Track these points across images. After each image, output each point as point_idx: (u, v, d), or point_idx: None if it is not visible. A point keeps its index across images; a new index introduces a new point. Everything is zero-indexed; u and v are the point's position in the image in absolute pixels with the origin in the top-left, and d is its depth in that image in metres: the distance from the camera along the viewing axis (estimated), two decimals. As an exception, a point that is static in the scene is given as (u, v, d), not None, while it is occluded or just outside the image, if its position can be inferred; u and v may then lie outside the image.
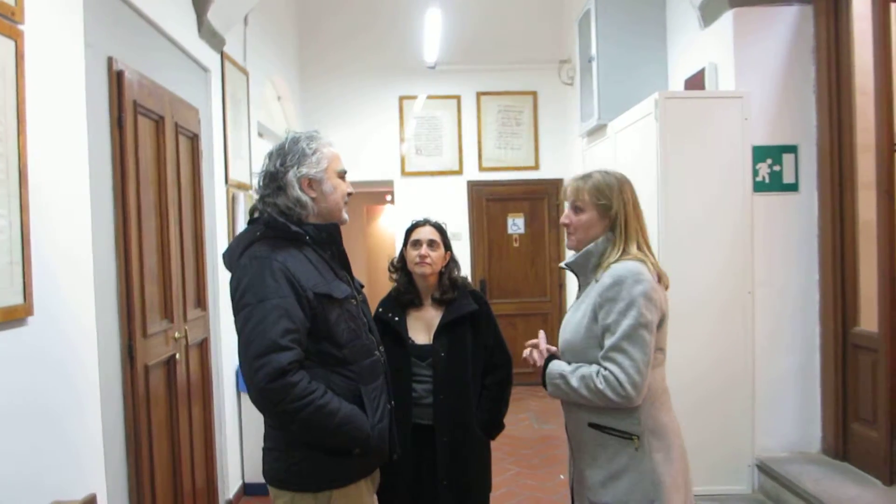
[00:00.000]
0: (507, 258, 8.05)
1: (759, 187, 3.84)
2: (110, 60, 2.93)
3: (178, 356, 3.48)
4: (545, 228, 8.04)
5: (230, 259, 2.15)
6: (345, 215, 2.25)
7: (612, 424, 2.12)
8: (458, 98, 7.88)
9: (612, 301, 2.07)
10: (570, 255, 2.31)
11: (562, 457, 5.55)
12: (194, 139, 3.92)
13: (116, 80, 2.96)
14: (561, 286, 8.03)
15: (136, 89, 3.12)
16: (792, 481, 3.52)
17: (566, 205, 2.27)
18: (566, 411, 2.28)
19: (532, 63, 7.76)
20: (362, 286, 2.40)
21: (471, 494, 2.80)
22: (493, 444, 2.91)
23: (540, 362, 2.28)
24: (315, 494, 2.06)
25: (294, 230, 2.08)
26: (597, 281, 2.16)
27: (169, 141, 3.50)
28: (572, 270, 2.31)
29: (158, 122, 3.39)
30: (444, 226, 2.92)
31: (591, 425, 2.16)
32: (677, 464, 2.12)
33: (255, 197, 2.20)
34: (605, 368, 2.06)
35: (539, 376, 2.28)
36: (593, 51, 4.74)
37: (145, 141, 3.23)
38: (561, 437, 6.20)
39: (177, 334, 3.48)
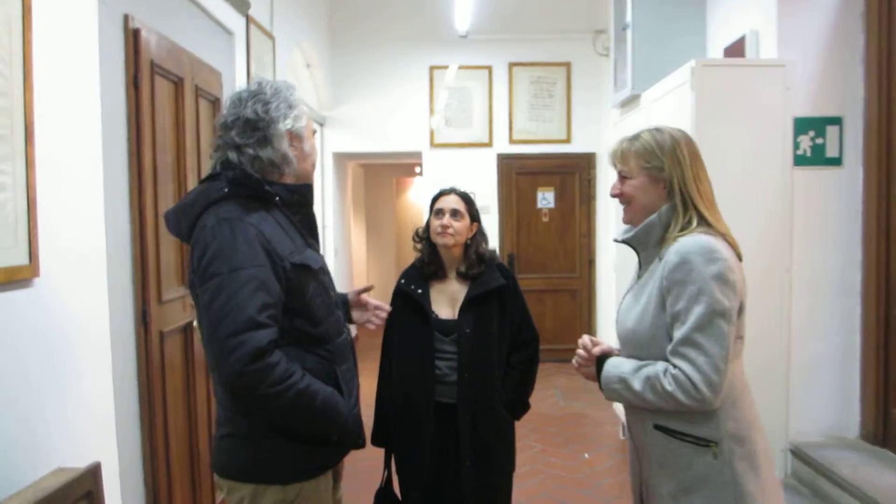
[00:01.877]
0: (535, 233, 7.92)
1: (799, 161, 3.64)
2: (126, 18, 2.85)
3: (195, 324, 3.42)
4: (576, 203, 7.89)
5: (182, 220, 1.87)
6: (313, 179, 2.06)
7: (685, 429, 1.81)
8: (489, 69, 7.72)
9: (681, 284, 1.75)
10: (625, 229, 2.02)
11: (588, 435, 5.46)
12: (216, 103, 3.83)
13: (133, 38, 2.87)
14: (591, 262, 7.89)
15: (154, 49, 3.03)
16: (828, 467, 3.38)
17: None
18: (626, 406, 1.98)
19: (566, 33, 7.57)
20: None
21: (494, 475, 2.71)
22: (516, 421, 2.81)
23: (588, 367, 1.98)
24: (284, 487, 1.84)
25: (267, 189, 1.83)
26: (661, 259, 1.85)
27: (188, 104, 3.42)
28: (631, 246, 1.99)
29: (177, 84, 3.31)
30: (472, 195, 2.80)
31: (658, 428, 1.86)
32: (765, 472, 1.82)
33: (218, 146, 1.91)
34: (675, 366, 1.75)
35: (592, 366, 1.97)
36: (628, 17, 4.56)
37: (163, 103, 3.15)
38: (587, 414, 6.16)
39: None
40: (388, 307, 2.36)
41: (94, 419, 2.50)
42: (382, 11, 7.64)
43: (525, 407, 2.83)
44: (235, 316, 1.67)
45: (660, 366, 1.79)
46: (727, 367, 1.74)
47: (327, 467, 1.94)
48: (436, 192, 2.83)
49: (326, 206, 7.81)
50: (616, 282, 6.74)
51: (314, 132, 2.03)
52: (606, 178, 7.44)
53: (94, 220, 2.57)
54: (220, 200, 1.82)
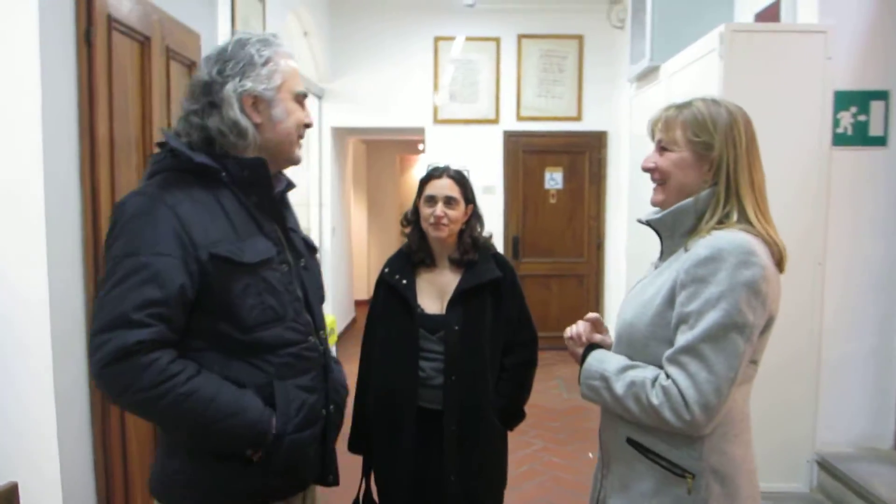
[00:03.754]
0: (542, 215, 7.55)
1: (839, 140, 3.27)
2: (75, -37, 2.48)
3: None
4: (585, 184, 7.51)
5: None
6: (297, 153, 1.70)
7: (661, 451, 1.54)
8: (497, 40, 7.31)
9: (701, 282, 1.45)
10: (652, 210, 1.72)
11: (593, 431, 5.09)
12: (192, 67, 3.47)
13: (84, -14, 2.51)
14: (599, 246, 7.52)
15: (111, 1, 2.66)
16: (860, 483, 3.05)
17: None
18: (602, 411, 1.74)
19: (579, 4, 7.15)
20: (314, 248, 1.88)
21: (483, 493, 2.40)
22: (509, 431, 2.51)
23: (576, 351, 1.73)
24: None
25: (198, 162, 1.53)
26: (686, 250, 1.55)
27: (157, 67, 3.04)
28: (654, 229, 1.69)
29: (143, 44, 2.94)
30: (466, 174, 2.45)
31: (631, 442, 1.60)
32: None
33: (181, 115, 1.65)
34: (668, 376, 1.47)
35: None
36: (649, -19, 4.18)
37: (124, 64, 2.79)
38: (593, 407, 5.78)
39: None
40: None
41: (23, 428, 2.17)
42: (385, -22, 7.23)
43: (520, 416, 2.52)
44: (110, 310, 1.43)
45: (649, 371, 1.53)
46: (731, 392, 1.44)
47: (263, 498, 1.61)
48: (425, 171, 2.48)
49: (324, 182, 7.46)
50: (626, 269, 6.39)
51: (299, 94, 1.69)
52: (618, 158, 7.07)
53: (31, 198, 2.22)
54: (158, 173, 1.57)
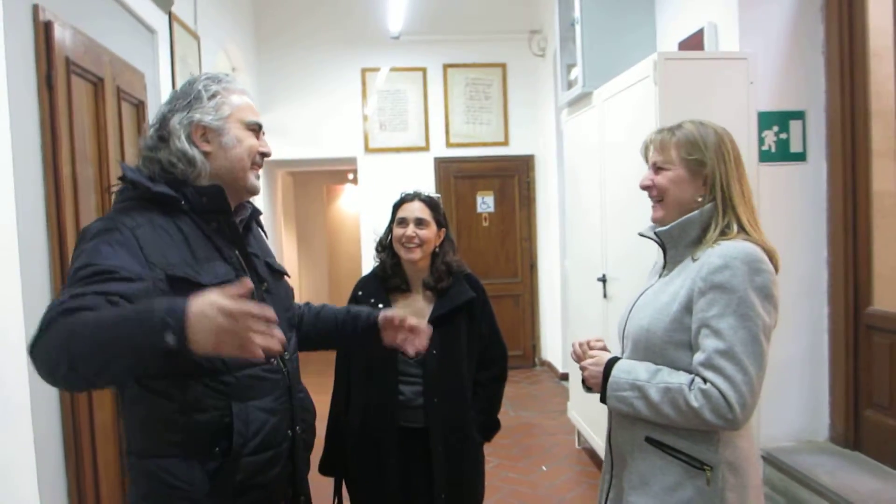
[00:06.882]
0: (476, 238, 7.71)
1: (764, 157, 3.52)
2: (36, 9, 2.50)
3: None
4: (516, 206, 7.72)
5: None
6: (252, 180, 1.72)
7: (682, 447, 1.66)
8: (423, 70, 7.48)
9: (720, 289, 1.58)
10: (650, 226, 1.84)
11: (543, 446, 5.26)
12: (140, 106, 3.49)
13: (44, 31, 2.52)
14: (532, 266, 7.73)
15: (69, 44, 2.68)
16: (804, 473, 3.26)
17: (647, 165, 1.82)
18: (613, 416, 1.84)
19: (501, 34, 7.39)
20: (281, 273, 1.89)
21: None
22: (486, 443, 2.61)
23: (589, 364, 1.80)
24: None
25: (156, 191, 1.57)
26: (695, 259, 1.68)
27: (110, 107, 3.07)
28: (660, 242, 1.82)
29: (97, 85, 2.96)
30: (437, 199, 2.55)
31: (650, 441, 1.70)
32: None
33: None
34: (706, 380, 1.58)
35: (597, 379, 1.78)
36: (577, 13, 4.39)
37: (81, 105, 2.80)
38: (538, 423, 5.97)
39: (122, 326, 3.06)
40: (426, 327, 2.00)
41: (13, 469, 2.15)
42: (311, 14, 7.31)
43: (496, 427, 2.61)
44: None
45: (682, 377, 1.62)
46: (760, 389, 1.58)
47: None
48: (398, 196, 2.57)
49: (257, 216, 7.42)
50: (561, 286, 6.60)
51: (250, 124, 1.72)
52: (545, 180, 7.30)
53: (6, 238, 2.22)
54: (121, 203, 1.61)
